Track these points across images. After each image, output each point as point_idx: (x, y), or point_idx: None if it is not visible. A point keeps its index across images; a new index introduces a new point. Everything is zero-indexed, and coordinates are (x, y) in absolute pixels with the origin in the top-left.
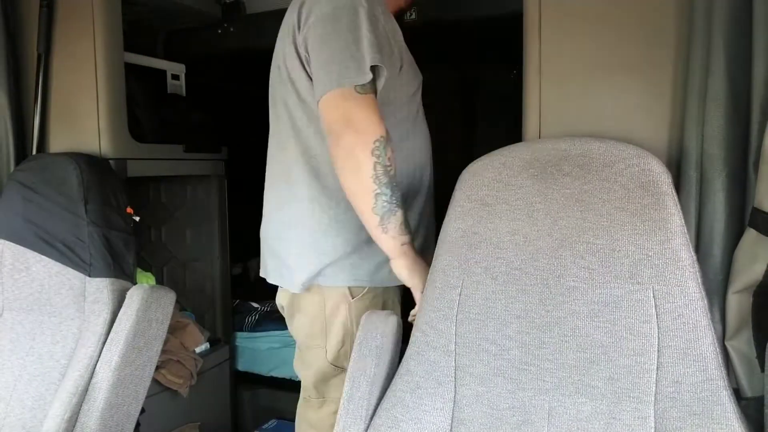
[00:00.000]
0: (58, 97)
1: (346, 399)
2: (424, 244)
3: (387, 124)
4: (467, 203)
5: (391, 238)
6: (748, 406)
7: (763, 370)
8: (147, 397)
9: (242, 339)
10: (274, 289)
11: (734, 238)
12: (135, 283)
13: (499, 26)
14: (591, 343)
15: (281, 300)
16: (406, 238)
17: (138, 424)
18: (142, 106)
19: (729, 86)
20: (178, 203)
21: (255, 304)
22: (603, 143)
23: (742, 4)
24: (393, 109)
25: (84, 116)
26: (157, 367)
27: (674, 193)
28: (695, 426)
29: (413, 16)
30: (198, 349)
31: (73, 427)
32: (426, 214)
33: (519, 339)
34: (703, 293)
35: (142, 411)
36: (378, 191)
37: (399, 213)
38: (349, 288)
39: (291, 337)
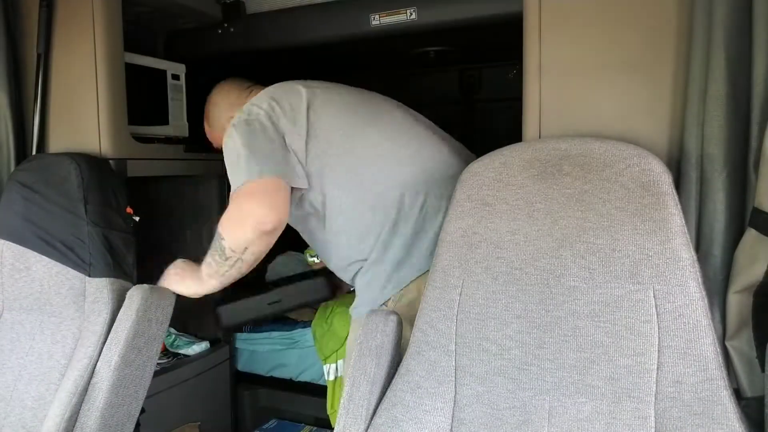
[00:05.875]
0: (58, 97)
1: (346, 399)
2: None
3: None
4: (467, 203)
5: None
6: (748, 405)
7: (763, 369)
8: (147, 397)
9: (242, 341)
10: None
11: (734, 238)
12: (135, 283)
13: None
14: (591, 343)
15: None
16: None
17: (138, 424)
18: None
19: (729, 86)
20: (178, 203)
21: None
22: (603, 143)
23: (742, 4)
24: None
25: (84, 116)
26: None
27: (674, 193)
28: (695, 426)
29: (413, 17)
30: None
31: (73, 426)
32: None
33: (519, 339)
34: (704, 293)
35: (142, 411)
36: None
37: None
38: None
39: (291, 339)
